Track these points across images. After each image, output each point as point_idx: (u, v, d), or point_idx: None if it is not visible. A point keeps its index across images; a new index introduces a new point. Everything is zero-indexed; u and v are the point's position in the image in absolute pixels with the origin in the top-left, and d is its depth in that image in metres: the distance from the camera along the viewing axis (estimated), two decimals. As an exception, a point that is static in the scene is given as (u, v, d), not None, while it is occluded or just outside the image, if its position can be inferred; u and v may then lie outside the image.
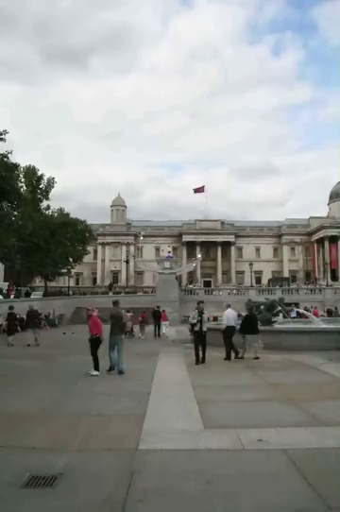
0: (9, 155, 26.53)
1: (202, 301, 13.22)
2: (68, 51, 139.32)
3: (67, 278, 50.14)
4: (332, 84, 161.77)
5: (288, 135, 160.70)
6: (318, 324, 19.09)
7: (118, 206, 79.76)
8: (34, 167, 42.61)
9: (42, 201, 43.85)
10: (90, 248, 55.78)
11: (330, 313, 33.51)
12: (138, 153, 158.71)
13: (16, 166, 28.65)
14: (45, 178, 43.44)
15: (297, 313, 23.70)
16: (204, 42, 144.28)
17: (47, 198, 44.20)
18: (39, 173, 43.16)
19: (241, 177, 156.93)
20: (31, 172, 41.85)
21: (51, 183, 43.79)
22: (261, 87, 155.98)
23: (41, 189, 43.43)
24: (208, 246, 77.14)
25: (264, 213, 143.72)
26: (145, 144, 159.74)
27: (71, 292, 51.95)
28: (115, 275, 74.58)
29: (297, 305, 30.29)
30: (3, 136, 25.40)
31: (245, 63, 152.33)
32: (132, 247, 76.29)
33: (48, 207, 44.02)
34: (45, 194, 43.91)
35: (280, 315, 18.48)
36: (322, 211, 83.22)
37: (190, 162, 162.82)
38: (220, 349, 13.20)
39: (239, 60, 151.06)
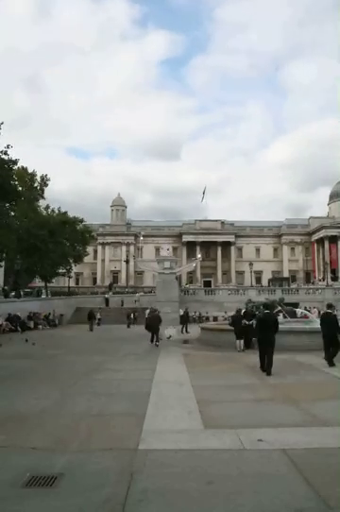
0: (8, 150, 24.91)
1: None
2: None
3: (67, 278, 49.93)
4: (187, 28, 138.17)
5: (181, 105, 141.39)
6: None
7: (118, 206, 79.78)
8: (24, 167, 40.88)
9: (38, 200, 42.94)
10: (90, 248, 55.46)
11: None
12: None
13: (15, 162, 26.23)
14: (38, 176, 42.58)
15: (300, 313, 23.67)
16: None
17: (43, 197, 43.40)
18: (30, 172, 42.04)
19: (142, 158, 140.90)
20: (21, 173, 39.82)
21: (45, 181, 42.83)
22: (107, 43, 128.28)
23: (36, 188, 42.59)
24: (208, 246, 77.12)
25: (189, 200, 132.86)
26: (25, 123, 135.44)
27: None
28: (115, 275, 74.56)
29: (297, 305, 30.26)
30: None
31: (67, 13, 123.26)
32: (132, 247, 76.29)
33: (48, 207, 43.35)
34: (41, 192, 43.10)
35: (281, 315, 18.47)
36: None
37: (88, 145, 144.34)
38: (221, 348, 13.18)
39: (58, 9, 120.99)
